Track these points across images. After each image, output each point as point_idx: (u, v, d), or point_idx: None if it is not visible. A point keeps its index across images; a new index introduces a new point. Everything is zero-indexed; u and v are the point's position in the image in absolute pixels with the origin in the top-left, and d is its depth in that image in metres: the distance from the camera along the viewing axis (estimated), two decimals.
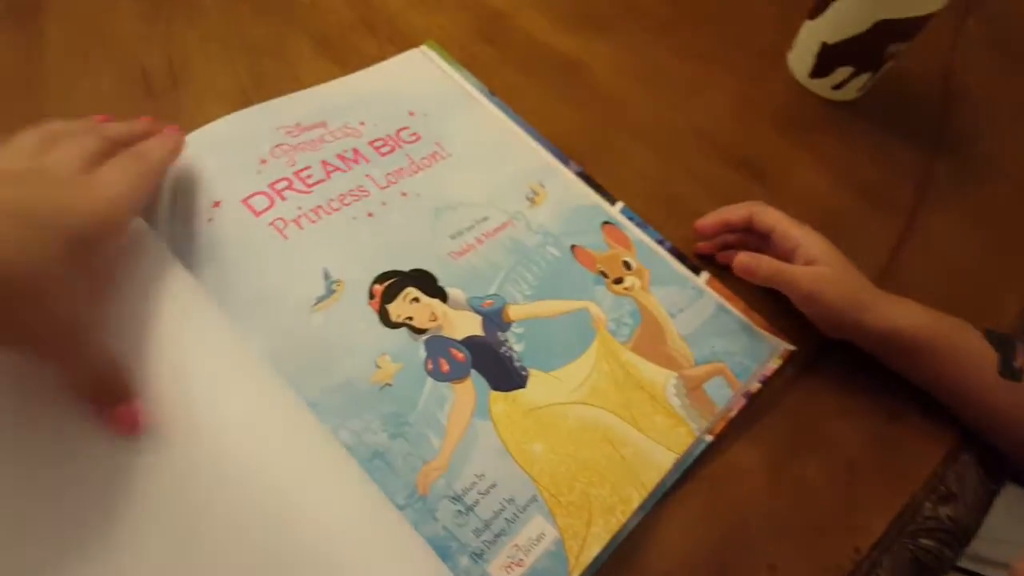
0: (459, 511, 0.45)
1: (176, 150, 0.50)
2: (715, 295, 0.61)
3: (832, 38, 0.73)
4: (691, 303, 0.60)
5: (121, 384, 0.40)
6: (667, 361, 0.56)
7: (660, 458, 0.51)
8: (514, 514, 0.46)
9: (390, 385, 0.48)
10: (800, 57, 0.77)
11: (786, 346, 0.58)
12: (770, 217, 0.59)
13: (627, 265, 0.60)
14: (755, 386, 0.56)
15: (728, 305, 0.60)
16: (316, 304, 0.50)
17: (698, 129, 0.72)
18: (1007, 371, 0.52)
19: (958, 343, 0.54)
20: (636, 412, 0.52)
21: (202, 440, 0.40)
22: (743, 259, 0.58)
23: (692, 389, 0.55)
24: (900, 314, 0.54)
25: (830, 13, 0.71)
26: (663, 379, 0.55)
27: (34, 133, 0.42)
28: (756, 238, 0.61)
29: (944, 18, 0.68)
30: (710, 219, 0.61)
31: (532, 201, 0.62)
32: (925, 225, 0.70)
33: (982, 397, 0.54)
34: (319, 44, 0.70)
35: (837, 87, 0.76)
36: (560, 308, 0.56)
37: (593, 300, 0.57)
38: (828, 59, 0.74)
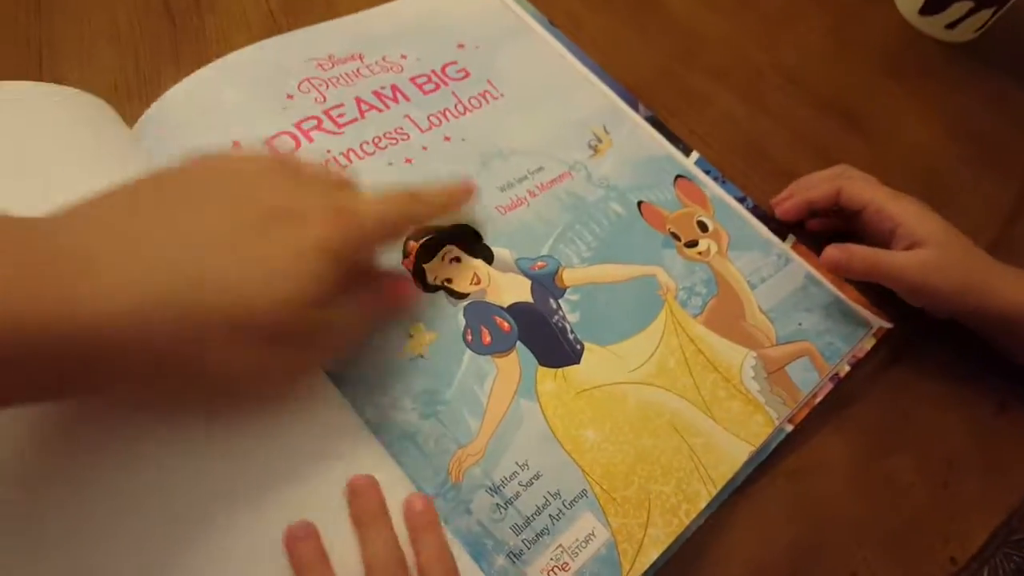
0: (497, 504, 0.40)
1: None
2: (803, 263, 0.55)
3: None
4: (776, 272, 0.54)
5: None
6: (745, 338, 0.50)
7: (734, 450, 0.45)
8: (560, 510, 0.41)
9: (423, 357, 0.44)
10: None
11: (882, 323, 0.53)
12: (861, 192, 0.52)
13: (703, 226, 0.54)
14: (844, 369, 0.51)
15: (818, 275, 0.54)
16: None
17: (788, 69, 0.66)
18: None
19: None
20: (708, 396, 0.47)
21: None
22: (832, 254, 0.51)
23: (773, 371, 0.49)
24: (1023, 292, 0.48)
25: None
26: (740, 359, 0.49)
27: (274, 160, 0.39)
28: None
29: None
30: (790, 200, 0.55)
31: (595, 150, 0.56)
32: None
33: None
34: None
35: (951, 26, 0.68)
36: (623, 273, 0.51)
37: (661, 265, 0.52)
38: None
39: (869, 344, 0.52)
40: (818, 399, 0.49)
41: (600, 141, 0.57)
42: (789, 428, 0.48)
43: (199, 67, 0.55)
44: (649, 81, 0.62)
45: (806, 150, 0.60)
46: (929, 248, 0.49)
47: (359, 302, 0.38)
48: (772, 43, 0.67)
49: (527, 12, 0.63)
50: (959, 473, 0.49)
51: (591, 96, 0.60)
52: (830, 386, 0.50)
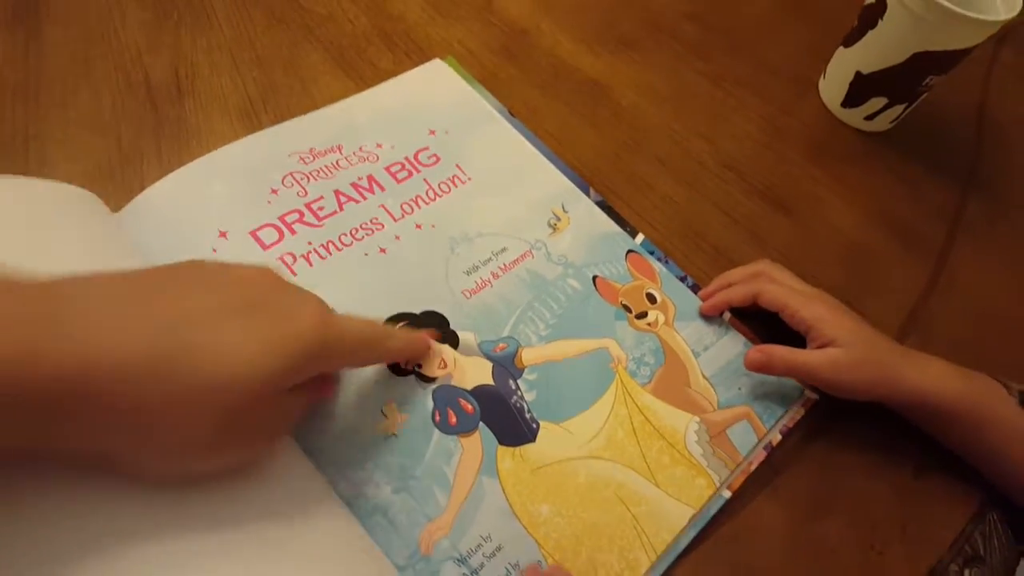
0: (464, 574, 0.42)
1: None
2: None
3: (867, 68, 0.70)
4: (717, 340, 0.57)
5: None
6: (689, 404, 0.53)
7: (675, 515, 0.48)
8: None
9: (395, 436, 0.46)
10: (832, 85, 0.75)
11: (809, 394, 0.56)
12: (776, 297, 0.55)
13: (651, 298, 0.57)
14: (776, 438, 0.53)
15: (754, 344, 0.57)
16: None
17: (724, 157, 0.69)
18: None
19: (988, 410, 0.51)
20: (653, 463, 0.49)
21: None
22: (754, 357, 0.54)
23: (715, 435, 0.52)
24: (928, 379, 0.51)
25: (866, 42, 0.69)
26: (684, 424, 0.52)
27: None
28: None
29: (979, 48, 0.65)
30: (711, 300, 0.58)
31: (554, 228, 0.59)
32: (956, 266, 0.67)
33: (1015, 468, 0.51)
34: (333, 57, 0.67)
35: (869, 118, 0.73)
36: (578, 348, 0.53)
37: (614, 338, 0.54)
38: (861, 89, 0.71)
39: (799, 414, 0.55)
40: (753, 466, 0.51)
41: (559, 219, 0.60)
42: (728, 494, 0.50)
43: (180, 149, 0.57)
44: (599, 166, 0.65)
45: (740, 232, 0.63)
46: (839, 348, 0.51)
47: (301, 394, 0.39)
48: (711, 132, 0.71)
49: (489, 103, 0.66)
50: (885, 534, 0.51)
51: (549, 178, 0.63)
52: (764, 454, 0.52)
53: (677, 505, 0.48)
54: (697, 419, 0.52)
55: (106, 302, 0.32)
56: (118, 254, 0.47)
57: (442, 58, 0.68)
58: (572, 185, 0.63)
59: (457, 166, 0.60)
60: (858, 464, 0.54)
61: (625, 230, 0.61)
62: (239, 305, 0.35)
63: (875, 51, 0.69)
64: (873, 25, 0.67)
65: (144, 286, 0.35)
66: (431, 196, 0.57)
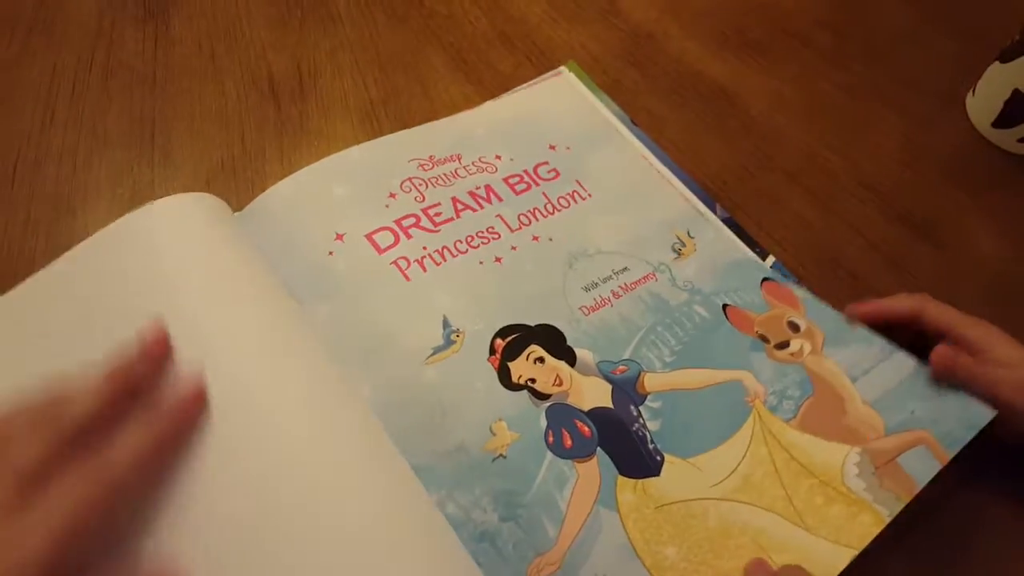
0: None
1: (166, 433, 0.36)
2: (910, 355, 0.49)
3: None
4: (880, 362, 0.49)
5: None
6: (847, 435, 0.45)
7: (832, 561, 0.40)
8: None
9: (504, 456, 0.43)
10: (983, 103, 0.68)
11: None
12: (942, 317, 0.49)
13: (794, 327, 0.51)
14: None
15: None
16: (432, 355, 0.46)
17: (861, 174, 0.64)
18: None
19: None
20: (802, 505, 0.42)
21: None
22: (944, 352, 0.47)
23: (883, 464, 0.44)
24: None
25: None
26: (841, 458, 0.44)
27: None
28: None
29: None
30: (868, 307, 0.51)
31: (679, 253, 0.55)
32: None
33: None
34: (453, 59, 0.65)
35: (1023, 140, 0.67)
36: (707, 379, 0.48)
37: (750, 369, 0.48)
38: (1018, 108, 0.65)
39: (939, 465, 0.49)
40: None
41: (684, 245, 0.55)
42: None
43: (301, 148, 0.56)
44: (726, 180, 0.61)
45: (878, 258, 0.58)
46: (1018, 369, 0.45)
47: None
48: (847, 148, 0.66)
49: (611, 112, 0.63)
50: None
51: (673, 198, 0.58)
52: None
53: (834, 548, 0.41)
54: (858, 450, 0.44)
55: None
56: (242, 256, 0.46)
57: (565, 64, 0.65)
58: (698, 208, 0.58)
59: (577, 182, 0.57)
60: (1002, 522, 0.47)
61: (755, 251, 0.56)
62: None
63: None
64: None
65: None
66: (549, 210, 0.54)
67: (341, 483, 0.38)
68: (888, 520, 0.42)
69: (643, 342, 0.49)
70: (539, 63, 0.65)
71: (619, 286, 0.52)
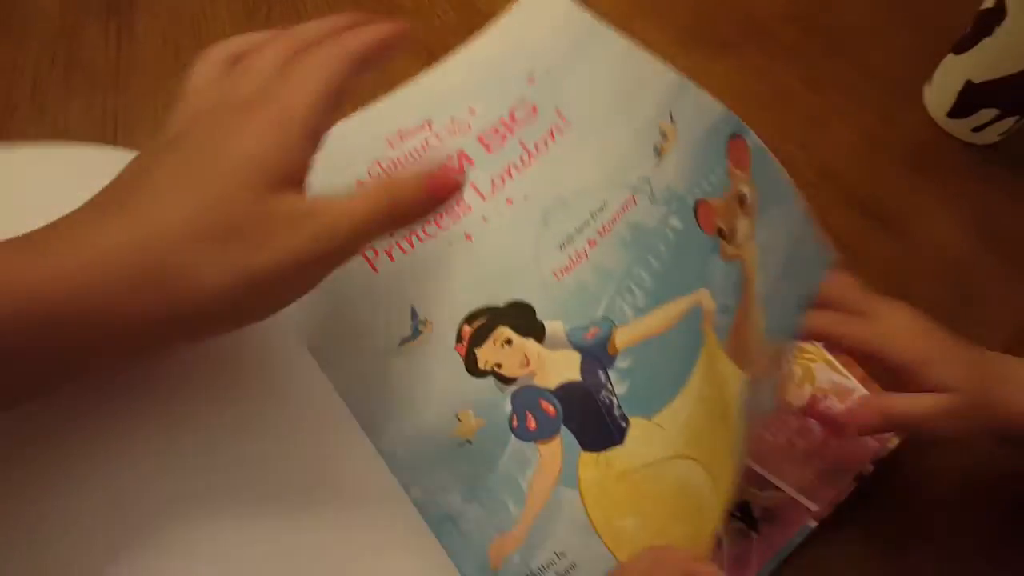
0: None
1: (385, 40, 0.37)
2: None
3: (979, 77, 0.65)
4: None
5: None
6: (743, 359, 0.45)
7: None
8: None
9: (470, 442, 0.43)
10: (939, 94, 0.70)
11: None
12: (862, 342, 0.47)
13: (741, 198, 0.49)
14: (868, 468, 0.49)
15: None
16: (400, 346, 0.46)
17: (821, 164, 0.65)
18: None
19: None
20: (718, 457, 0.43)
21: None
22: (868, 421, 0.46)
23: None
24: None
25: (980, 49, 0.63)
26: (738, 386, 0.44)
27: (214, 62, 0.34)
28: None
29: None
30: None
31: (659, 151, 0.50)
32: None
33: None
34: (421, 53, 0.65)
35: (977, 129, 0.68)
36: (673, 316, 0.46)
37: (706, 283, 0.46)
38: (971, 99, 0.66)
39: (893, 443, 0.50)
40: (842, 496, 0.47)
41: (666, 138, 0.51)
42: (813, 524, 0.46)
43: None
44: None
45: (837, 245, 0.59)
46: (948, 394, 0.44)
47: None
48: (807, 139, 0.67)
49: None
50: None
51: (655, 83, 0.53)
52: (854, 485, 0.48)
53: None
54: (746, 379, 0.44)
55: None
56: None
57: None
58: (679, 79, 0.53)
59: (557, 112, 0.52)
60: (951, 497, 0.50)
61: None
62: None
63: (989, 59, 0.64)
64: (989, 32, 0.62)
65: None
66: (525, 161, 0.52)
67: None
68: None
69: (618, 291, 0.47)
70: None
71: (596, 231, 0.49)
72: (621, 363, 0.45)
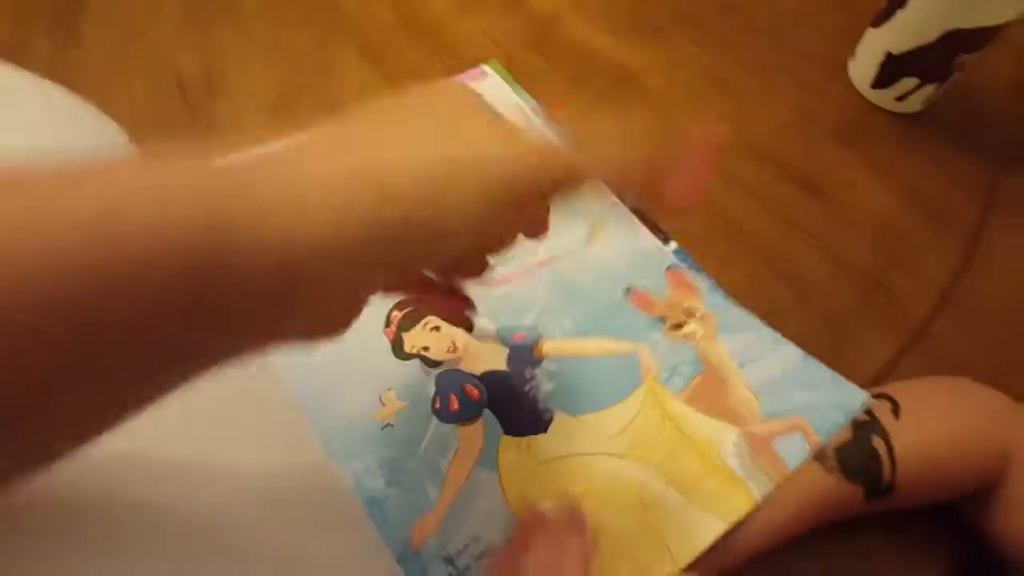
0: (451, 574, 0.37)
1: None
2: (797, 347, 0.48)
3: (897, 48, 0.63)
4: (769, 353, 0.47)
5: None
6: (729, 415, 0.44)
7: (705, 527, 0.40)
8: None
9: (392, 425, 0.41)
10: (862, 67, 0.67)
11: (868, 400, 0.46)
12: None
13: (690, 312, 0.49)
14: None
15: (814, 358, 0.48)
16: None
17: (755, 143, 0.64)
18: (876, 493, 0.40)
19: (819, 508, 0.41)
20: (683, 472, 0.42)
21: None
22: None
23: (759, 448, 0.43)
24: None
25: (896, 21, 0.62)
26: (721, 436, 0.43)
27: None
28: None
29: (1015, 24, 0.59)
30: None
31: (591, 237, 0.52)
32: (990, 246, 0.60)
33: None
34: (363, 53, 0.63)
35: (900, 99, 0.66)
36: (604, 349, 0.46)
37: (647, 343, 0.47)
38: (892, 70, 0.65)
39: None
40: None
41: (595, 233, 0.53)
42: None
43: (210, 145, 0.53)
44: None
45: (772, 218, 0.58)
46: None
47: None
48: (742, 119, 0.65)
49: (528, 105, 0.60)
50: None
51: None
52: None
53: (708, 518, 0.40)
54: (737, 431, 0.43)
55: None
56: None
57: (487, 63, 0.62)
58: (611, 198, 0.55)
59: None
60: None
61: (658, 234, 0.54)
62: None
63: (905, 31, 0.62)
64: (902, 5, 0.61)
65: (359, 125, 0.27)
66: None
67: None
68: (759, 499, 0.41)
69: (545, 311, 0.48)
70: (445, 53, 0.64)
71: (526, 263, 0.50)
72: (549, 365, 0.45)
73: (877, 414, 0.42)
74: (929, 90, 0.65)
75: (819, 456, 0.41)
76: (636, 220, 0.55)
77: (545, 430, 0.42)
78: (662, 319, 0.49)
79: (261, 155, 0.23)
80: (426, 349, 0.44)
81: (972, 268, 0.59)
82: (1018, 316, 0.55)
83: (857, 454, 0.40)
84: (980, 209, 0.63)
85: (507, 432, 0.42)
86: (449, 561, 0.38)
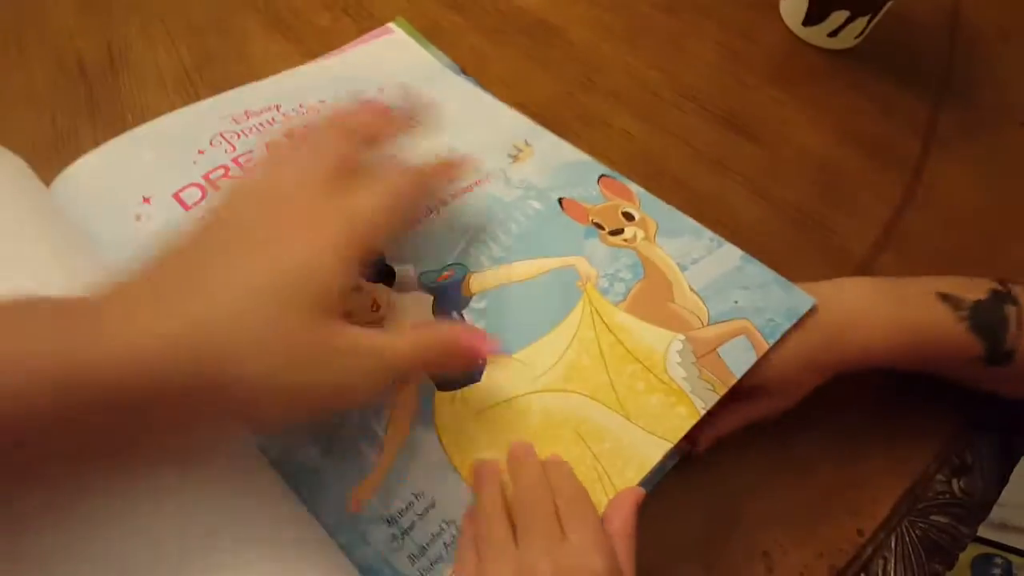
0: (393, 535, 0.37)
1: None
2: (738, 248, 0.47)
3: None
4: (708, 254, 0.46)
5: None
6: (673, 321, 0.42)
7: (647, 451, 0.39)
8: (454, 537, 0.37)
9: None
10: (792, 4, 0.67)
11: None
12: None
13: (628, 216, 0.48)
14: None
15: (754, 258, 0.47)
16: None
17: (683, 87, 0.63)
18: (995, 359, 0.42)
19: (935, 347, 0.43)
20: (624, 392, 0.40)
21: None
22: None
23: (704, 354, 0.41)
24: (869, 344, 0.42)
25: None
26: (665, 344, 0.41)
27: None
28: None
29: None
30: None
31: (514, 158, 0.50)
32: (931, 179, 0.60)
33: (976, 384, 0.45)
34: (268, 19, 0.61)
35: (833, 34, 0.66)
36: (539, 268, 0.45)
37: (583, 255, 0.45)
38: (822, 5, 0.64)
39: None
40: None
41: (520, 151, 0.51)
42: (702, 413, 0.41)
43: (115, 124, 0.52)
44: (553, 108, 0.58)
45: (703, 162, 0.57)
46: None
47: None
48: (669, 64, 0.64)
49: (441, 62, 0.59)
50: (864, 448, 0.46)
51: (508, 117, 0.54)
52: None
53: (650, 439, 0.39)
54: (681, 337, 0.42)
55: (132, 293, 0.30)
56: (49, 224, 0.43)
57: (392, 20, 0.61)
58: (536, 126, 0.54)
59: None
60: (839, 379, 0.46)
61: None
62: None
63: None
64: None
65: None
66: None
67: None
68: (702, 412, 0.40)
69: (472, 242, 0.46)
70: (356, 14, 0.62)
71: (448, 194, 0.47)
72: (477, 304, 0.43)
73: (1015, 293, 0.43)
74: (862, 23, 0.64)
75: (954, 302, 0.42)
76: (565, 143, 0.53)
77: (479, 378, 0.41)
78: (598, 226, 0.47)
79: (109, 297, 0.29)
80: (348, 315, 0.42)
81: (915, 201, 0.58)
82: (962, 247, 0.56)
83: (989, 312, 0.42)
84: (921, 142, 0.62)
85: (440, 388, 0.40)
86: (392, 521, 0.36)
